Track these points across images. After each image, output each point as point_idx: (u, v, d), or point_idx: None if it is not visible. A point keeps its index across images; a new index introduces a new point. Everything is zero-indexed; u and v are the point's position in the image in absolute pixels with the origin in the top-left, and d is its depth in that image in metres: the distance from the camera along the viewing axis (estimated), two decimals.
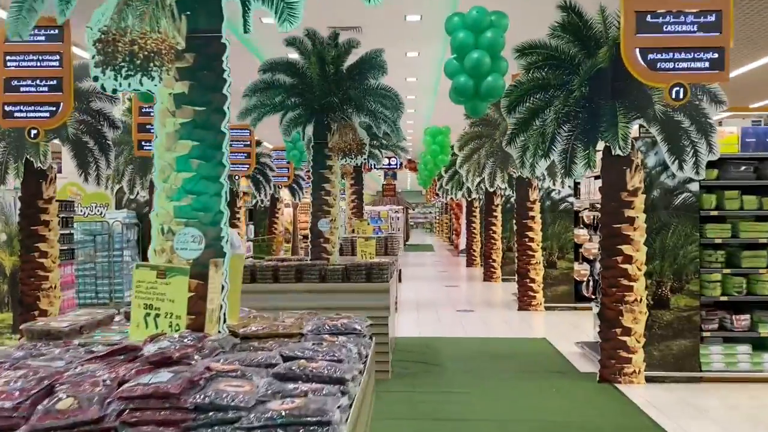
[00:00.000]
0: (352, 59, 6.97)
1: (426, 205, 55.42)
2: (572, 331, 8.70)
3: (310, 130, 7.04)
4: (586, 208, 10.81)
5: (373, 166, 28.50)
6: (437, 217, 45.58)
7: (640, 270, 6.09)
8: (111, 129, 7.44)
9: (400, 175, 43.08)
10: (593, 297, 7.39)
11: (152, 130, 3.02)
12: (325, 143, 6.96)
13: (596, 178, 6.92)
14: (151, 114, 3.54)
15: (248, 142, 13.89)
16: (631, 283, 6.09)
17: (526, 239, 10.67)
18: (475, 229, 18.68)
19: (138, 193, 10.72)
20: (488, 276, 15.04)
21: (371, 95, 6.94)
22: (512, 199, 14.69)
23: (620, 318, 6.10)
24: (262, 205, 18.77)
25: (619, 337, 6.10)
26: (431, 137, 13.10)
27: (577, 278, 10.69)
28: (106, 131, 7.43)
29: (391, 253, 10.24)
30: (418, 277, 16.00)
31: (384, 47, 6.92)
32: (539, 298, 10.63)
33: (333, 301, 6.15)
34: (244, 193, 15.55)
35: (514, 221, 11.44)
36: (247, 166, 14.07)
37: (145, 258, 10.99)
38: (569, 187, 10.57)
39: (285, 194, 20.18)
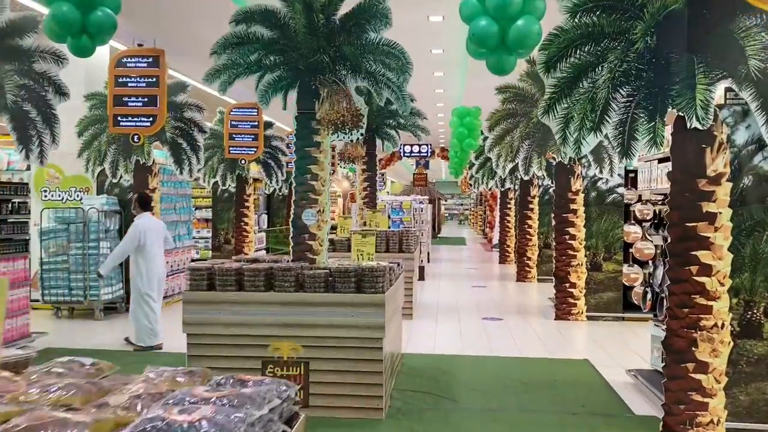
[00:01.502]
0: (347, 7, 5.49)
1: (462, 196, 53.72)
2: (622, 352, 7.12)
3: (294, 97, 5.59)
4: (638, 201, 9.16)
5: (402, 154, 27.04)
6: (472, 209, 43.86)
7: (722, 285, 4.50)
8: (200, 133, 9.37)
9: (434, 165, 41.46)
10: (653, 315, 5.80)
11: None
12: (311, 113, 5.52)
13: (660, 161, 5.31)
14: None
15: (255, 123, 12.56)
16: (710, 303, 4.49)
17: (567, 236, 9.07)
18: (509, 222, 17.05)
19: (121, 177, 9.48)
20: (522, 276, 13.45)
21: (371, 53, 5.45)
22: (551, 190, 13.11)
23: (693, 349, 4.52)
24: (280, 193, 17.52)
25: (692, 375, 4.52)
26: (458, 118, 11.56)
27: (626, 283, 9.06)
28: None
29: (406, 250, 8.78)
30: (444, 275, 14.49)
31: (400, 8, 5.45)
32: (580, 306, 9.03)
33: (312, 317, 4.74)
34: (255, 180, 14.25)
35: (553, 215, 9.83)
36: (254, 149, 12.75)
37: None
38: (619, 175, 8.95)
39: None
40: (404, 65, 5.49)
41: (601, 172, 8.89)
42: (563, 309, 9.05)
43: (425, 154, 24.52)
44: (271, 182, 13.62)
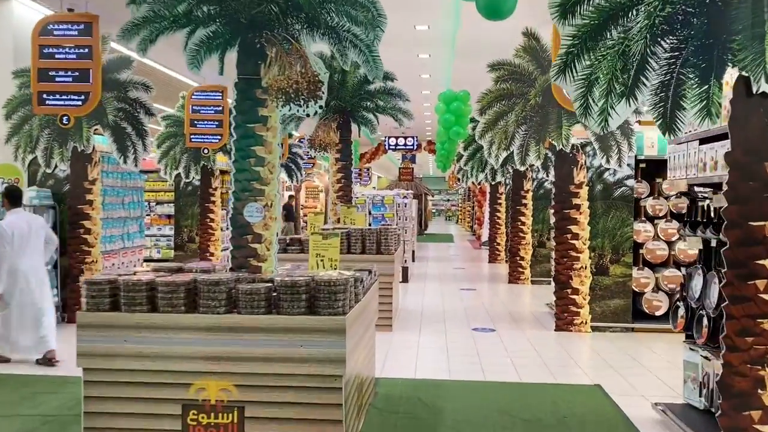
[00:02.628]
0: None
1: (449, 191, 52.63)
2: (640, 376, 5.97)
3: (233, 58, 4.37)
4: (650, 195, 8.01)
5: (387, 147, 25.83)
6: (459, 205, 42.77)
7: None
8: (147, 116, 8.05)
9: (421, 159, 40.30)
10: (686, 335, 4.62)
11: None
12: (256, 80, 4.30)
13: (703, 141, 4.14)
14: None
15: (220, 108, 11.29)
16: None
17: (568, 235, 7.90)
18: (499, 219, 15.90)
19: (57, 167, 8.19)
20: (515, 277, 12.29)
21: (332, 2, 4.24)
22: (546, 183, 11.96)
23: (760, 392, 3.36)
24: None
25: (757, 427, 3.36)
26: (445, 104, 10.36)
27: (635, 289, 7.94)
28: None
29: (385, 251, 7.58)
30: (430, 276, 13.30)
31: None
32: (584, 315, 7.87)
33: (248, 347, 3.52)
34: (223, 172, 12.98)
35: (551, 211, 8.67)
36: (219, 137, 11.49)
37: (63, 251, 8.48)
38: (628, 165, 7.79)
39: (282, 175, 17.59)
40: (375, 19, 4.28)
41: (608, 162, 7.73)
42: (565, 318, 7.89)
43: (411, 147, 23.35)
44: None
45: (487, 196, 18.74)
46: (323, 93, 4.26)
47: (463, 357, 6.62)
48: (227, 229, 13.71)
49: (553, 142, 7.80)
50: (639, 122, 7.85)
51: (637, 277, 7.93)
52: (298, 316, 3.60)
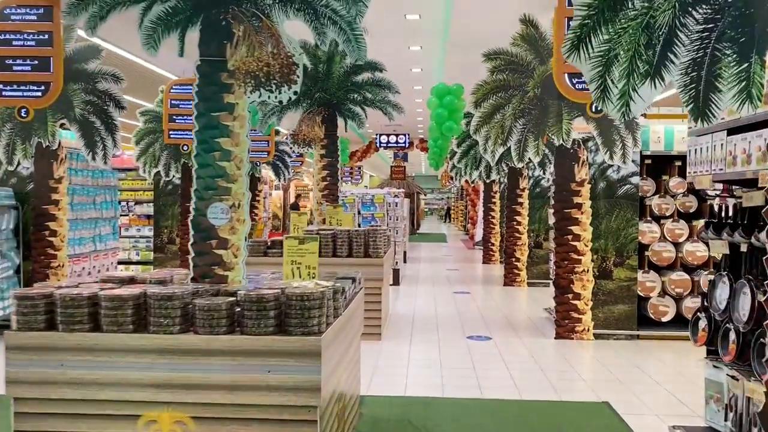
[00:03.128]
0: None
1: (442, 190, 52.18)
2: (651, 391, 5.46)
3: (195, 38, 3.82)
4: (656, 194, 7.51)
5: (379, 145, 25.28)
6: (453, 204, 42.30)
7: None
8: (117, 110, 7.45)
9: (414, 158, 39.78)
10: (708, 350, 4.11)
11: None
12: (221, 62, 3.75)
13: (731, 132, 3.62)
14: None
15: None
16: None
17: (569, 236, 7.39)
18: (493, 218, 15.39)
19: (20, 164, 7.60)
20: (510, 279, 11.79)
21: None
22: (543, 181, 11.47)
23: None
24: None
25: None
26: (437, 98, 9.83)
27: (641, 294, 7.43)
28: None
29: (374, 254, 7.05)
30: (422, 278, 12.77)
31: None
32: (586, 321, 7.37)
33: (206, 372, 2.98)
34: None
35: (551, 210, 8.16)
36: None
37: (26, 255, 7.90)
38: (633, 162, 7.28)
39: (269, 173, 17.03)
40: None
41: (611, 158, 7.21)
42: (565, 326, 7.38)
43: (403, 145, 22.81)
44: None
45: (481, 194, 18.25)
46: (298, 77, 3.72)
47: (457, 370, 6.09)
48: None
49: (553, 136, 7.29)
50: (645, 115, 7.35)
51: (643, 281, 7.43)
52: (265, 336, 3.06)
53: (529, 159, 7.36)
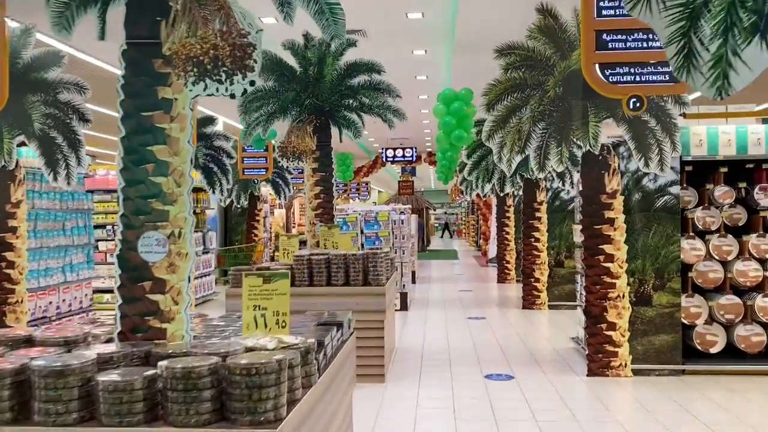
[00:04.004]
0: None
1: (452, 205, 51.15)
2: None
3: (120, 15, 2.90)
4: (699, 205, 6.51)
5: (385, 159, 24.37)
6: (463, 219, 41.30)
7: None
8: (228, 158, 8.26)
9: (423, 172, 38.89)
10: None
11: None
12: (154, 46, 2.82)
13: None
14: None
15: None
16: None
17: (601, 257, 6.39)
18: (508, 234, 14.39)
19: None
20: (529, 302, 10.77)
21: None
22: (563, 193, 10.49)
23: None
24: (239, 206, 14.88)
25: None
26: (444, 104, 8.90)
27: (685, 321, 6.41)
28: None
29: (374, 282, 6.10)
30: (432, 302, 11.77)
31: None
32: (623, 355, 6.35)
33: None
34: (196, 190, 11.54)
35: (577, 226, 7.17)
36: None
37: None
38: (673, 169, 6.29)
39: (269, 191, 16.18)
40: None
41: (647, 165, 6.23)
42: (599, 360, 6.36)
43: (410, 159, 21.87)
44: (213, 192, 10.90)
45: (494, 209, 17.27)
46: (256, 62, 2.78)
47: (475, 421, 5.09)
48: (204, 252, 12.26)
49: (579, 142, 6.32)
50: (684, 115, 6.37)
51: (687, 306, 6.42)
52: (197, 429, 2.10)
53: (552, 168, 6.38)
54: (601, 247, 6.40)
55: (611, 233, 6.39)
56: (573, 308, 10.19)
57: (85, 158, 6.91)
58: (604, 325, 6.36)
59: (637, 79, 5.43)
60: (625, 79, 5.38)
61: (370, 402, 5.48)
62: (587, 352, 6.49)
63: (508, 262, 14.56)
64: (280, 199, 15.63)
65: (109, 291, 11.59)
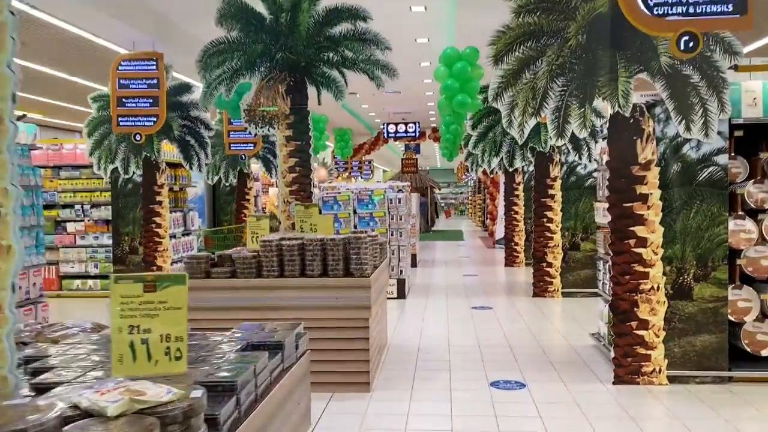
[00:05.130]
0: None
1: (458, 184, 49.96)
2: None
3: None
4: (751, 179, 5.38)
5: (386, 135, 23.19)
6: (469, 198, 40.14)
7: None
8: (206, 130, 9.57)
9: (428, 150, 37.65)
10: None
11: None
12: None
13: None
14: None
15: (154, 81, 8.88)
16: None
17: (632, 241, 5.29)
18: (517, 214, 13.29)
19: None
20: (541, 288, 9.70)
21: None
22: (580, 168, 9.39)
23: None
24: (227, 184, 13.84)
25: None
26: (446, 66, 7.74)
27: (732, 318, 5.33)
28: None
29: (356, 272, 5.06)
30: (434, 288, 10.72)
31: None
32: (657, 359, 5.27)
33: None
34: (173, 165, 10.49)
35: (600, 204, 6.07)
36: (153, 118, 9.09)
37: None
38: (719, 135, 5.17)
39: (260, 168, 15.08)
40: None
41: (688, 129, 5.12)
42: (628, 365, 5.29)
43: (413, 134, 20.72)
44: (191, 167, 9.83)
45: (501, 186, 16.15)
46: None
47: None
48: (184, 234, 11.22)
49: (605, 101, 5.20)
50: (736, 68, 5.22)
51: (734, 300, 5.33)
52: None
53: (573, 133, 5.24)
54: (631, 229, 5.28)
55: (644, 212, 5.27)
56: (589, 296, 9.11)
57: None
58: (634, 323, 5.27)
59: (691, 10, 4.28)
60: (675, 10, 4.26)
61: (349, 419, 4.45)
62: (613, 356, 5.42)
63: (516, 244, 13.47)
64: (272, 176, 14.52)
65: (81, 276, 10.62)
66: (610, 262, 5.58)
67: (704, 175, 5.25)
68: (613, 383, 5.30)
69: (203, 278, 5.12)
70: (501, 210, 16.75)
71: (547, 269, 9.65)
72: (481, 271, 13.12)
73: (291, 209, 6.02)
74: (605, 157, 5.71)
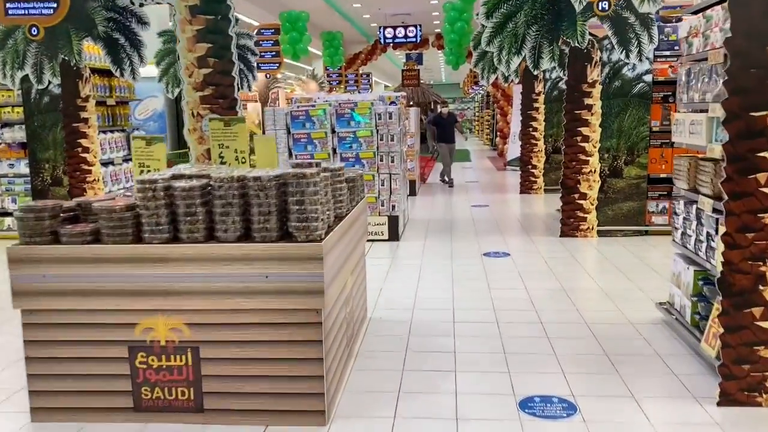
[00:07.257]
0: None
1: (464, 99, 47.11)
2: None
3: None
4: None
5: (384, 41, 20.53)
6: (476, 114, 37.61)
7: None
8: (140, 25, 7.24)
9: (432, 62, 34.77)
10: None
11: None
12: None
13: None
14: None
15: None
16: None
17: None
18: (536, 131, 11.10)
19: None
20: (571, 226, 7.55)
21: None
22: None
23: None
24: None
25: None
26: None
27: None
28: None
29: (300, 233, 2.95)
30: (434, 225, 8.68)
31: None
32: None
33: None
34: (98, 72, 8.26)
35: (658, 117, 3.94)
36: (52, 5, 6.80)
37: None
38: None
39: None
40: None
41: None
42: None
43: (414, 39, 18.17)
44: (122, 74, 7.55)
45: (516, 100, 13.87)
46: None
47: None
48: (127, 161, 9.09)
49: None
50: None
51: None
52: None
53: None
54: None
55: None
56: (634, 235, 7.15)
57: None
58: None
59: None
60: None
61: None
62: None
63: (534, 167, 11.32)
64: (243, 89, 12.24)
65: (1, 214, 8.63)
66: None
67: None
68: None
69: (48, 243, 3.05)
70: (514, 127, 14.55)
71: (580, 201, 7.49)
72: (492, 199, 11.01)
73: (204, 126, 3.91)
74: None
